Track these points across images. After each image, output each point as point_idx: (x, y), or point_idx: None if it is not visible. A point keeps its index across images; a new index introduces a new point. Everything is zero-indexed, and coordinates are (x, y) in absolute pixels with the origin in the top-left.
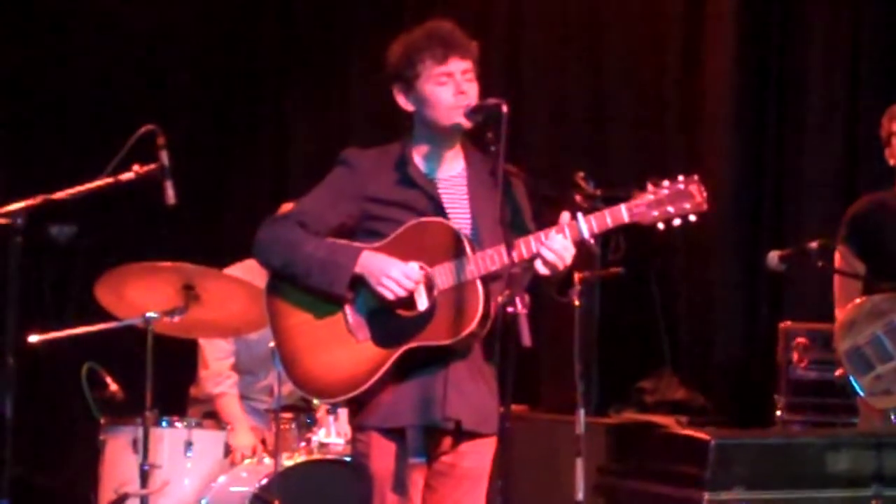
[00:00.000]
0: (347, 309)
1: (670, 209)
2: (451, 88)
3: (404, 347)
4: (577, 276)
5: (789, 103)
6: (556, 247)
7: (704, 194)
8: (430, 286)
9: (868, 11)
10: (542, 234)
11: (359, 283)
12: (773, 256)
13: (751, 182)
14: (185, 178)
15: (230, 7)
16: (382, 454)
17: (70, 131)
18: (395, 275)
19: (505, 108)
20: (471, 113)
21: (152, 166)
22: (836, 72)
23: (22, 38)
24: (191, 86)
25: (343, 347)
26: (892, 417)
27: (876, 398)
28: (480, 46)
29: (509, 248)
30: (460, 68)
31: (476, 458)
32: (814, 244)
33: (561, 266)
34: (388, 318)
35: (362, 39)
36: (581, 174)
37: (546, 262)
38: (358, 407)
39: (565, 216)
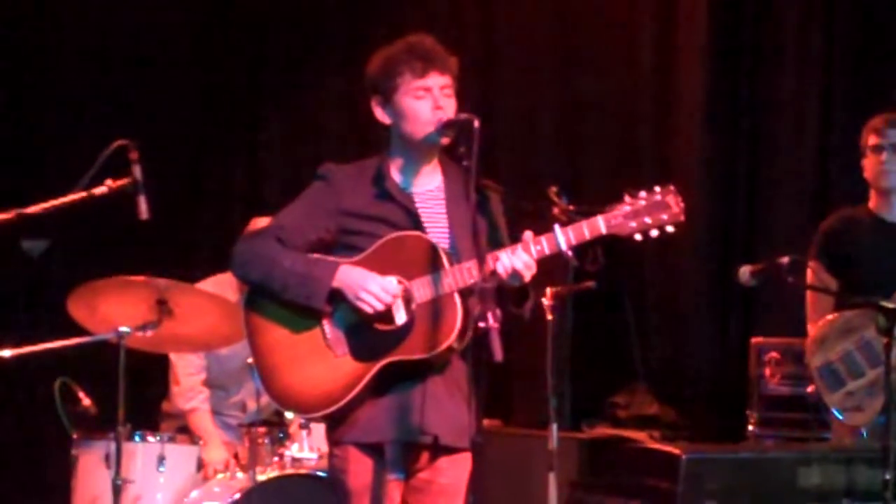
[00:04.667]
0: (326, 324)
1: (647, 220)
2: (428, 103)
3: (382, 362)
4: (549, 290)
5: (761, 118)
6: (517, 264)
7: (682, 205)
8: (408, 300)
9: (841, 23)
10: (508, 250)
11: (337, 298)
12: (745, 271)
13: (722, 197)
14: (158, 194)
15: (203, 24)
16: (360, 469)
17: (43, 146)
18: (373, 289)
19: (477, 123)
20: (443, 128)
21: (125, 181)
22: (809, 86)
23: None
24: (164, 101)
25: (321, 362)
26: (864, 433)
27: (847, 414)
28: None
29: (481, 261)
30: (439, 83)
31: (453, 475)
32: (785, 259)
33: (516, 282)
34: (367, 333)
35: (335, 56)
36: (554, 188)
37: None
38: (336, 421)
39: (528, 234)
